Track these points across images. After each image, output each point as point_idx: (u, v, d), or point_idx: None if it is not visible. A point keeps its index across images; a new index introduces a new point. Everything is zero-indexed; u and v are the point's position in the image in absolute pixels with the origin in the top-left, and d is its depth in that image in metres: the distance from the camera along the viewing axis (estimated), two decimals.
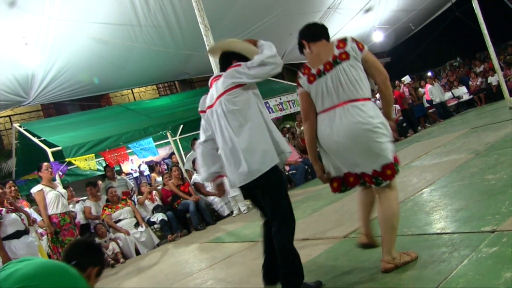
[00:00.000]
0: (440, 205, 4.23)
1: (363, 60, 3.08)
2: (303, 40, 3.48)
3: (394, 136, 3.15)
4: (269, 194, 3.27)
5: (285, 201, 3.34)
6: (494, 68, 11.54)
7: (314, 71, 3.20)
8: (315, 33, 3.46)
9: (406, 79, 16.22)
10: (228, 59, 3.51)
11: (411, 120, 13.75)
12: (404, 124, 13.60)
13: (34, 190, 6.74)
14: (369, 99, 3.09)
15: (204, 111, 3.63)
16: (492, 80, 14.34)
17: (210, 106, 3.48)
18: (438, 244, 3.23)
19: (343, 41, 3.11)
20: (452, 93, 15.86)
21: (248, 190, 3.45)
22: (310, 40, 3.41)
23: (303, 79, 3.31)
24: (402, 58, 17.96)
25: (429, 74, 16.26)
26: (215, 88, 3.43)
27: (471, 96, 15.49)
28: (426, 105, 14.96)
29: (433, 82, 14.77)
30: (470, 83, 15.61)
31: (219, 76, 3.44)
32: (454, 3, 18.69)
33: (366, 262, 3.38)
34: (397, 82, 15.87)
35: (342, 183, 3.46)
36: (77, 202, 8.97)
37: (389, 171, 3.00)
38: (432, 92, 14.30)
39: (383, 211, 3.18)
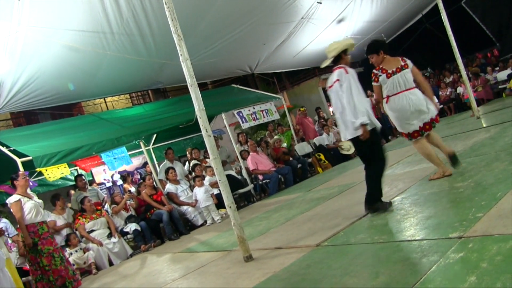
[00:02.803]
0: (410, 213, 4.30)
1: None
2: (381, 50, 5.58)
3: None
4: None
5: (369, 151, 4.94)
6: (462, 79, 11.83)
7: (390, 71, 5.38)
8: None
9: None
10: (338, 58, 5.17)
11: (383, 129, 13.93)
12: None
13: (11, 200, 6.55)
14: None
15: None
16: (461, 90, 14.67)
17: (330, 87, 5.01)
18: (408, 251, 3.28)
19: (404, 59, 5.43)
20: None
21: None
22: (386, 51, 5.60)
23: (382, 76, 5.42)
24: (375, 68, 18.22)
25: None
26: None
27: (441, 106, 15.80)
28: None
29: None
30: (440, 93, 15.93)
31: (339, 67, 5.01)
32: (424, 15, 19.09)
33: (338, 269, 3.40)
34: (369, 92, 16.07)
35: (420, 132, 5.37)
36: None
37: (438, 118, 5.44)
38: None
39: (437, 138, 5.57)
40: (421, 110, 5.27)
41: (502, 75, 15.56)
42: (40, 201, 6.87)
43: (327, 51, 5.19)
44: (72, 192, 9.72)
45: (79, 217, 8.23)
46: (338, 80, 4.82)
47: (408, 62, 5.40)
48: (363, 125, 4.58)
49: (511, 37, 17.61)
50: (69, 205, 9.43)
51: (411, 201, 4.77)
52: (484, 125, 9.06)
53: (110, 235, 8.17)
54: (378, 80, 5.47)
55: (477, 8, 18.32)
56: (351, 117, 4.65)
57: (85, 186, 9.30)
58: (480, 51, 19.00)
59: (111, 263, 7.87)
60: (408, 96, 5.27)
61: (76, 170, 11.32)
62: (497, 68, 16.18)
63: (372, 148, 4.85)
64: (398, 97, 5.33)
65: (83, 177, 9.77)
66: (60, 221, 8.41)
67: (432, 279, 2.65)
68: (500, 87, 15.49)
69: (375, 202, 4.81)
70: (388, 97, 5.41)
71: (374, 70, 5.54)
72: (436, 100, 12.93)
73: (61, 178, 9.60)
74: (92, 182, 12.04)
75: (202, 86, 18.84)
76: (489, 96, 15.65)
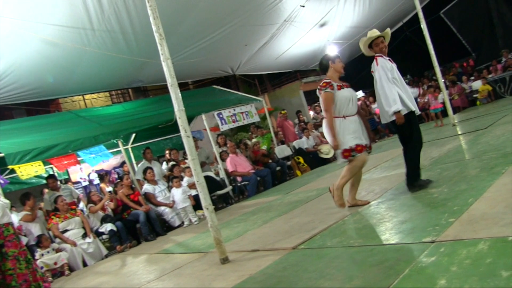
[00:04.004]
0: (386, 217, 4.36)
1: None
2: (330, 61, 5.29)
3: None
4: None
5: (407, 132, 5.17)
6: (440, 87, 12.04)
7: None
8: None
9: (359, 93, 16.60)
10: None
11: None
12: None
13: None
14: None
15: None
16: (438, 98, 14.89)
17: None
18: (382, 254, 3.33)
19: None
20: None
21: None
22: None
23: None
24: (356, 73, 18.39)
25: None
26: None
27: (419, 113, 16.00)
28: (377, 120, 15.36)
29: None
30: (419, 100, 16.14)
31: (375, 58, 5.28)
32: (405, 23, 19.41)
33: (314, 272, 3.43)
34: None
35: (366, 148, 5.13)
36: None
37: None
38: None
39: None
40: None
41: (477, 84, 15.93)
42: (7, 201, 6.71)
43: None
44: (46, 190, 9.53)
45: (52, 217, 8.05)
46: (372, 71, 5.27)
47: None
48: (396, 112, 4.95)
49: (486, 48, 18.04)
50: (42, 204, 9.24)
51: (387, 206, 4.83)
52: (459, 132, 9.24)
53: (85, 235, 8.06)
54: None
55: (454, 19, 18.76)
56: (385, 105, 5.06)
57: (57, 187, 9.13)
58: (457, 60, 19.38)
59: (85, 264, 7.75)
60: None
61: (52, 168, 11.16)
62: (472, 78, 16.51)
63: (409, 129, 5.13)
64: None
65: (55, 177, 9.60)
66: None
67: (404, 282, 2.70)
68: (474, 95, 15.84)
69: (415, 180, 5.13)
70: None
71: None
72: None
73: (36, 176, 9.42)
74: (67, 180, 11.87)
75: (183, 86, 18.78)
76: (465, 104, 15.98)
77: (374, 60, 5.25)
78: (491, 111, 11.79)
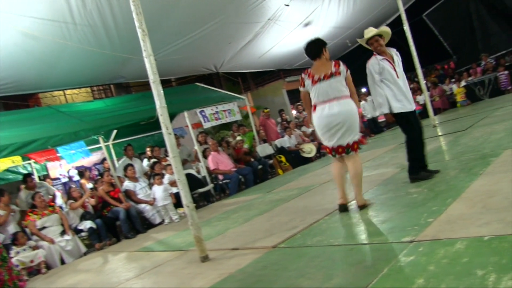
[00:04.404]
0: (366, 216, 4.40)
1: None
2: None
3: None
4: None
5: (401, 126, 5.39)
6: (421, 88, 12.17)
7: (316, 77, 4.77)
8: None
9: None
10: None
11: None
12: None
13: None
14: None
15: None
16: (419, 99, 15.06)
17: None
18: (362, 254, 3.37)
19: (338, 64, 4.78)
20: None
21: None
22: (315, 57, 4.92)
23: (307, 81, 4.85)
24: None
25: (363, 90, 16.85)
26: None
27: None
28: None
29: (366, 98, 15.31)
30: None
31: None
32: (388, 25, 19.51)
33: (294, 271, 3.44)
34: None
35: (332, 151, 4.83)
36: None
37: (355, 145, 4.74)
38: (365, 107, 14.80)
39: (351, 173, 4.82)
40: (338, 127, 4.71)
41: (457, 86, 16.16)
42: None
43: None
44: (23, 186, 9.34)
45: (29, 214, 7.87)
46: None
47: (342, 68, 4.79)
48: (384, 114, 5.22)
49: (467, 51, 18.34)
50: (17, 201, 9.03)
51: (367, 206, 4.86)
52: (440, 133, 9.35)
53: (63, 233, 7.92)
54: (305, 86, 4.96)
55: (437, 22, 19.03)
56: (375, 106, 5.37)
57: (34, 186, 8.98)
58: (438, 63, 19.63)
59: (63, 262, 7.60)
60: (331, 106, 4.73)
61: (30, 164, 11.01)
62: (453, 80, 16.72)
63: (406, 125, 5.34)
64: (320, 108, 4.81)
65: (32, 177, 9.45)
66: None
67: (383, 281, 2.72)
68: (455, 97, 16.04)
69: (417, 171, 5.24)
70: (315, 106, 4.88)
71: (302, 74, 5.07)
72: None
73: (13, 172, 9.25)
74: (46, 176, 11.70)
75: (166, 83, 18.67)
76: (445, 106, 16.20)
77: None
78: (471, 113, 11.96)
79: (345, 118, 4.65)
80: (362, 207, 4.69)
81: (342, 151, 4.75)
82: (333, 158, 4.90)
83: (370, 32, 5.33)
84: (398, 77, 5.25)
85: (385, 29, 5.41)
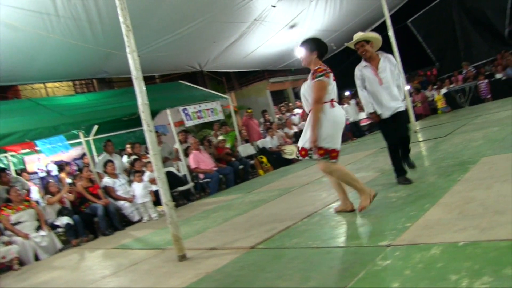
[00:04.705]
0: (345, 220, 4.43)
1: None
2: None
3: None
4: None
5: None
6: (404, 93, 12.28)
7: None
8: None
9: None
10: None
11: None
12: None
13: None
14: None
15: None
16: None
17: None
18: (339, 257, 3.38)
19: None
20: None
21: None
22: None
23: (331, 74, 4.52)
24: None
25: (347, 93, 16.97)
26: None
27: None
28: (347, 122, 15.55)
29: (349, 101, 15.40)
30: None
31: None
32: (373, 29, 19.67)
33: (271, 272, 3.44)
34: None
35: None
36: None
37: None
38: (348, 111, 14.89)
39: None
40: None
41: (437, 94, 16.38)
42: None
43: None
44: None
45: (3, 208, 7.66)
46: None
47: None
48: (371, 113, 5.44)
49: (449, 59, 18.60)
50: None
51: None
52: (420, 139, 9.45)
53: (39, 228, 7.75)
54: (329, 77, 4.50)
55: (421, 29, 19.28)
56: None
57: (9, 181, 8.81)
58: (421, 69, 19.84)
59: (37, 258, 7.42)
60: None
61: (6, 157, 10.83)
62: (435, 86, 16.93)
63: (380, 129, 5.61)
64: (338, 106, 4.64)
65: (7, 171, 9.27)
66: None
67: (359, 285, 2.74)
68: (436, 104, 16.25)
69: (397, 175, 5.50)
70: (332, 102, 4.54)
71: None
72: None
73: None
74: (23, 170, 11.51)
75: (149, 80, 18.55)
76: (427, 112, 16.39)
77: None
78: (451, 120, 12.12)
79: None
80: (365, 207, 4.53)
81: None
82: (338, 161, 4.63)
83: (356, 36, 5.38)
84: (382, 83, 5.29)
85: (374, 35, 5.41)
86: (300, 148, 4.61)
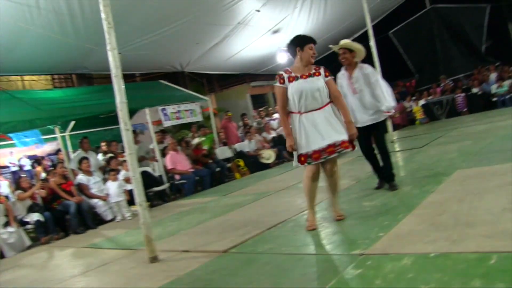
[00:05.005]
0: (319, 227, 4.42)
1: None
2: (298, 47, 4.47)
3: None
4: None
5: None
6: None
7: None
8: None
9: None
10: None
11: None
12: None
13: None
14: None
15: None
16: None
17: None
18: (311, 264, 3.37)
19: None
20: None
21: None
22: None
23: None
24: None
25: None
26: None
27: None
28: None
29: None
30: None
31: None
32: (355, 38, 19.84)
33: (243, 277, 3.42)
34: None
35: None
36: None
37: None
38: None
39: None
40: None
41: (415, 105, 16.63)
42: None
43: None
44: None
45: None
46: None
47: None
48: None
49: (428, 71, 18.91)
50: None
51: (320, 216, 4.88)
52: (397, 149, 9.56)
53: (7, 224, 7.52)
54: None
55: (402, 41, 19.56)
56: None
57: None
58: (401, 80, 20.09)
59: (3, 256, 7.21)
60: None
61: None
62: (414, 98, 17.16)
63: None
64: None
65: None
66: None
67: None
68: (414, 115, 16.48)
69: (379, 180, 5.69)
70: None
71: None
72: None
73: None
74: None
75: (130, 78, 18.36)
76: (405, 122, 16.60)
77: None
78: (428, 131, 12.29)
79: None
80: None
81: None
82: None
83: (343, 42, 5.44)
84: (355, 93, 5.38)
85: (358, 46, 5.42)
86: (340, 142, 4.24)
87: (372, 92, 5.40)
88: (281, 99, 4.43)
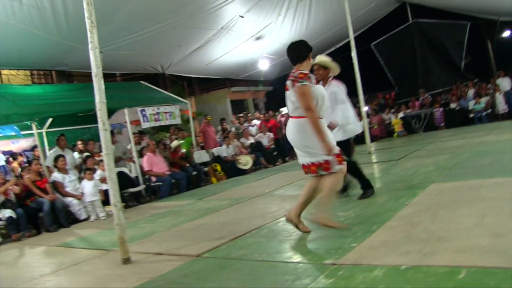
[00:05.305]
0: (293, 235, 4.44)
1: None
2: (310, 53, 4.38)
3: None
4: None
5: None
6: (361, 114, 12.55)
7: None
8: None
9: (284, 110, 16.87)
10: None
11: (282, 149, 14.30)
12: (275, 153, 14.13)
13: None
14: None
15: None
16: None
17: None
18: (283, 272, 3.38)
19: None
20: None
21: None
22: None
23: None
24: (284, 89, 18.83)
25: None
26: None
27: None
28: None
29: None
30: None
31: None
32: (337, 48, 20.12)
33: (215, 282, 3.42)
34: (270, 112, 16.58)
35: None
36: None
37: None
38: None
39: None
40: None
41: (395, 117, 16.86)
42: None
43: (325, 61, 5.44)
44: None
45: None
46: None
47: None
48: None
49: (408, 85, 19.20)
50: None
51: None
52: (374, 161, 9.66)
53: None
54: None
55: (383, 53, 19.81)
56: None
57: None
58: (381, 91, 20.34)
59: None
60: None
61: None
62: (393, 110, 17.39)
63: None
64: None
65: None
66: None
67: None
68: (392, 127, 16.70)
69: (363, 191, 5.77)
70: None
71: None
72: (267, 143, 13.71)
73: None
74: None
75: (110, 77, 18.21)
76: (383, 134, 16.81)
77: None
78: (405, 144, 12.47)
79: (292, 138, 4.26)
80: (320, 223, 4.15)
81: (315, 170, 4.19)
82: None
83: (319, 58, 5.47)
84: None
85: (333, 65, 5.39)
86: (310, 164, 4.19)
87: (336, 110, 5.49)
88: (312, 100, 4.08)
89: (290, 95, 4.20)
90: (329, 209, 4.19)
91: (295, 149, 4.39)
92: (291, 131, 4.25)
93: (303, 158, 4.29)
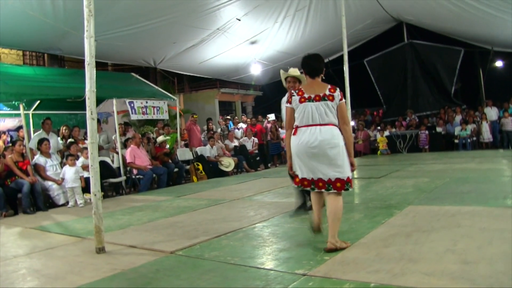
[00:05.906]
0: (267, 242, 4.51)
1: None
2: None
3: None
4: None
5: None
6: None
7: (306, 95, 4.14)
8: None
9: (271, 116, 16.96)
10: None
11: (265, 155, 14.39)
12: (258, 158, 14.20)
13: None
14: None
15: None
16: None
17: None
18: (254, 277, 3.43)
19: (334, 88, 4.18)
20: None
21: None
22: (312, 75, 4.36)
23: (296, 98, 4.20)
24: (273, 96, 18.84)
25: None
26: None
27: None
28: (283, 145, 15.77)
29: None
30: None
31: None
32: (330, 61, 20.24)
33: (185, 281, 3.46)
34: (259, 117, 16.66)
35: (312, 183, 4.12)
36: None
37: (343, 183, 4.00)
38: None
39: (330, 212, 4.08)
40: (323, 156, 4.01)
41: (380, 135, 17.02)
42: None
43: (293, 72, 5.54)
44: None
45: None
46: None
47: (337, 93, 4.17)
48: None
49: (396, 104, 19.38)
50: None
51: (270, 231, 4.99)
52: (355, 177, 9.74)
53: None
54: (291, 102, 4.25)
55: (375, 70, 19.98)
56: None
57: None
58: (369, 108, 20.52)
59: None
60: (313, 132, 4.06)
61: None
62: (379, 128, 17.56)
63: None
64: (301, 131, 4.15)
65: None
66: None
67: None
68: (377, 145, 16.85)
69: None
70: (296, 127, 4.20)
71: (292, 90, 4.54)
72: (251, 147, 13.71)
73: None
74: None
75: (102, 66, 18.13)
76: (367, 151, 16.97)
77: None
78: (387, 163, 12.62)
79: (323, 149, 3.98)
80: (330, 250, 3.93)
81: (323, 186, 4.04)
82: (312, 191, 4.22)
83: (293, 71, 5.56)
84: None
85: (303, 78, 5.06)
86: (337, 179, 4.00)
87: None
88: None
89: (327, 104, 4.09)
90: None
91: (311, 158, 4.05)
92: (328, 136, 4.00)
93: (317, 172, 4.05)
